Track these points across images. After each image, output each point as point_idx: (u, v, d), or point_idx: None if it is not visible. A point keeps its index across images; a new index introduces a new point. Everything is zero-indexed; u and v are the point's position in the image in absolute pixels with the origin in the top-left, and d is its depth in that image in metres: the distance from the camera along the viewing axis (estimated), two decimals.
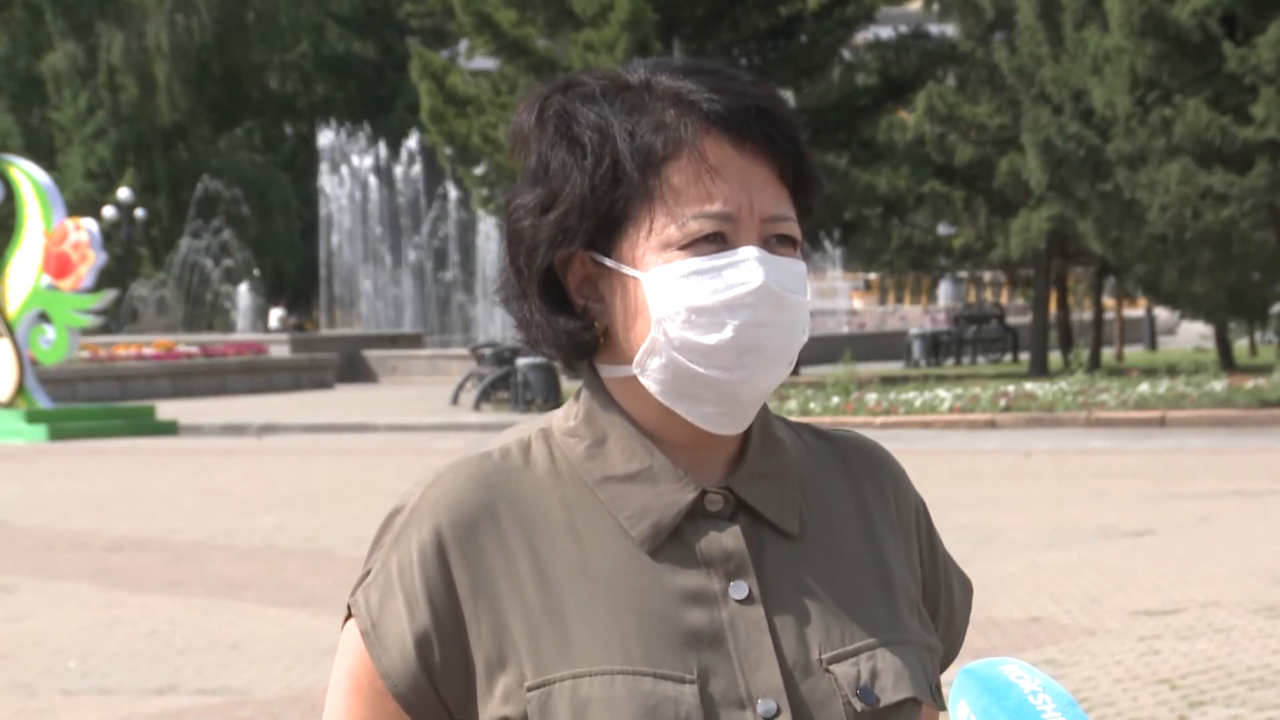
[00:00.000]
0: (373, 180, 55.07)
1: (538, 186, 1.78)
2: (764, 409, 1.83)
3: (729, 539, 1.77)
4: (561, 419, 1.83)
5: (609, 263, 1.76)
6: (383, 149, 55.12)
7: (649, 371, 1.76)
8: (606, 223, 1.75)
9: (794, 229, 1.77)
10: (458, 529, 1.76)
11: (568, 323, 1.78)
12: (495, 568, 1.75)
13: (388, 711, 1.77)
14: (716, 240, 1.73)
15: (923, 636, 1.83)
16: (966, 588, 1.97)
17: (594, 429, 1.80)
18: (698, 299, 1.72)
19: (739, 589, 1.75)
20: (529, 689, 1.71)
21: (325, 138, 55.85)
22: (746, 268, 1.73)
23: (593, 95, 1.77)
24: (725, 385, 1.74)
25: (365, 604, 1.78)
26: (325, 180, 55.11)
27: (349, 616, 1.80)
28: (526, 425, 1.85)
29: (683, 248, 1.73)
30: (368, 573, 1.80)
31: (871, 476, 1.89)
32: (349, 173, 55.10)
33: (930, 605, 1.89)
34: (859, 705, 1.74)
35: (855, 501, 1.86)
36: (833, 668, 1.76)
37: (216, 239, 54.69)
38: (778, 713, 1.72)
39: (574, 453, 1.79)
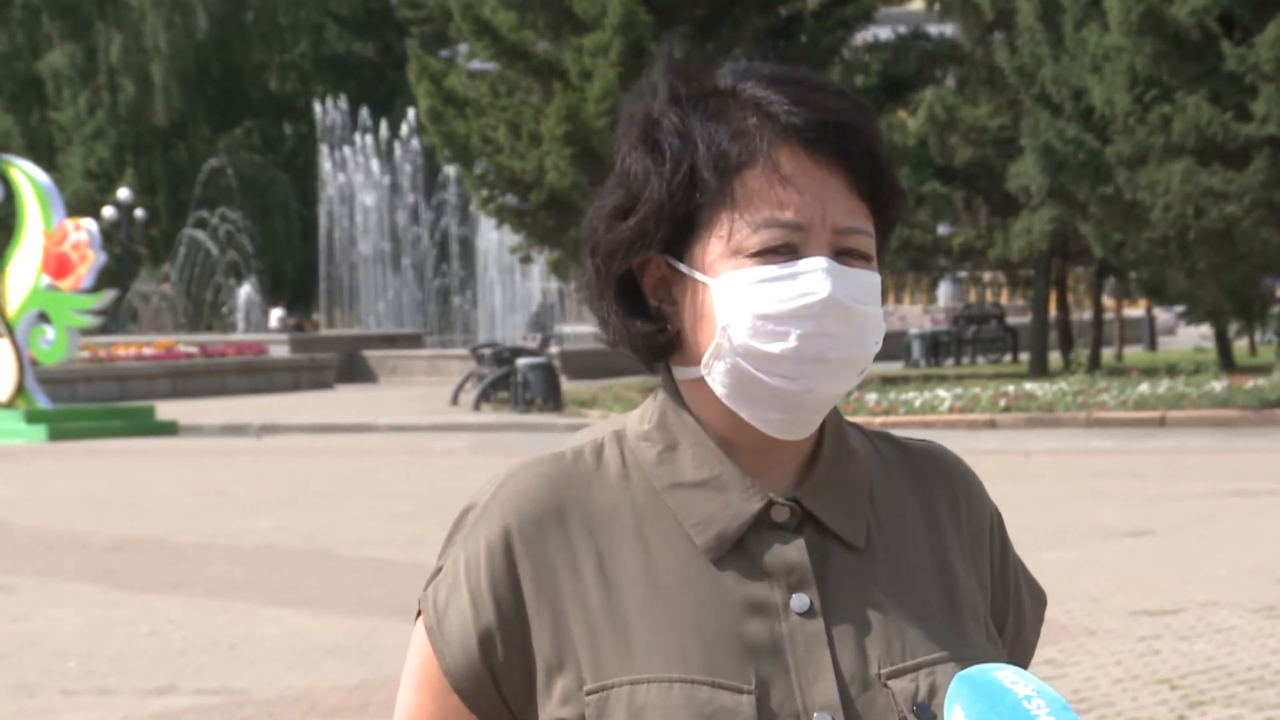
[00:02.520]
0: (372, 179, 55.06)
1: (619, 190, 1.79)
2: (837, 416, 1.84)
3: (793, 551, 1.77)
4: (636, 422, 1.84)
5: (681, 267, 1.78)
6: (382, 148, 55.10)
7: (714, 374, 1.77)
8: (681, 228, 1.77)
9: (867, 243, 1.77)
10: (526, 528, 1.77)
11: (644, 325, 1.79)
12: (560, 569, 1.76)
13: (454, 706, 1.79)
14: (787, 250, 1.74)
15: (988, 653, 1.82)
16: (1039, 600, 1.96)
17: (667, 434, 1.81)
18: (763, 307, 1.73)
19: (800, 602, 1.76)
20: (588, 693, 1.72)
21: (324, 128, 55.79)
22: (814, 278, 1.73)
23: (678, 99, 1.79)
24: (789, 393, 1.75)
25: (433, 600, 1.80)
26: (324, 174, 55.07)
27: (420, 613, 1.82)
28: (601, 426, 1.86)
29: (752, 255, 1.74)
30: (439, 569, 1.81)
31: (945, 487, 1.89)
32: (348, 170, 55.09)
33: (999, 618, 1.88)
34: None
35: (926, 513, 1.86)
36: (890, 683, 1.75)
37: (216, 239, 54.67)
38: None
39: (645, 457, 1.81)
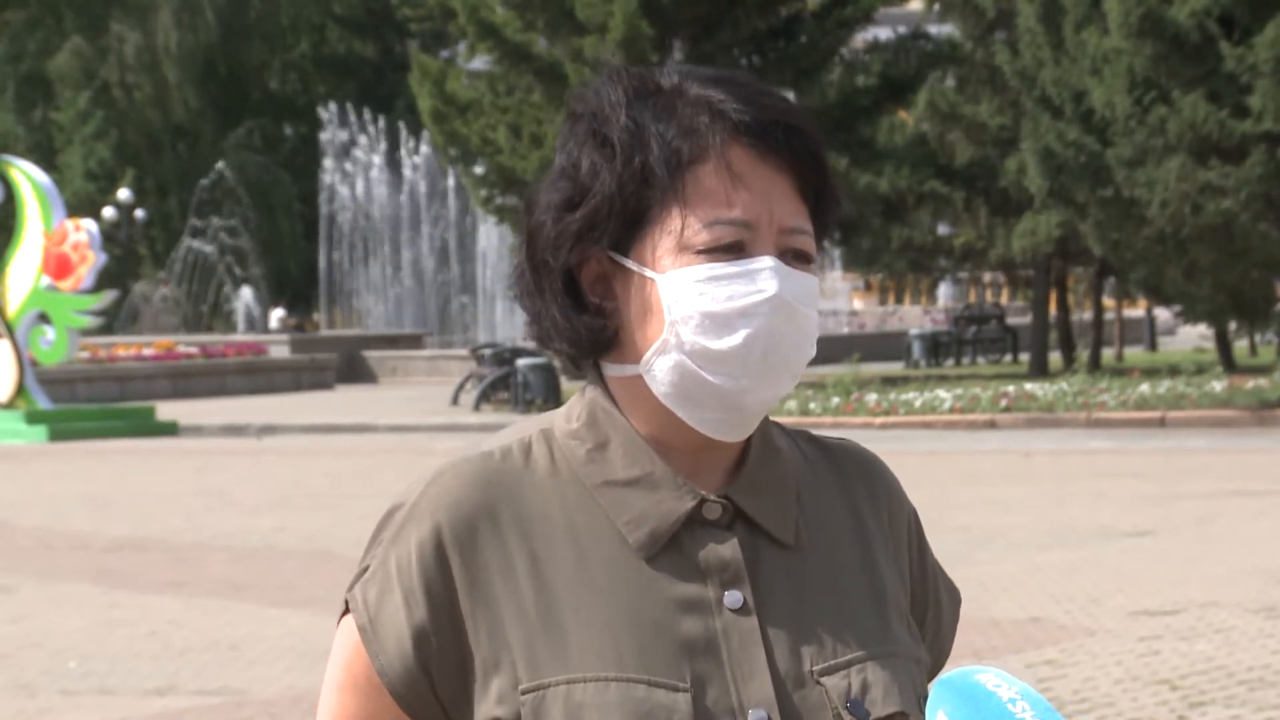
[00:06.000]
0: (373, 180, 55.06)
1: (564, 184, 1.79)
2: (764, 417, 1.83)
3: (726, 548, 1.77)
4: (563, 420, 1.83)
5: (627, 263, 1.77)
6: (383, 149, 55.10)
7: (655, 372, 1.76)
8: (629, 223, 1.76)
9: (810, 244, 1.78)
10: (457, 528, 1.76)
11: (590, 320, 1.78)
12: (493, 569, 1.76)
13: (382, 706, 1.77)
14: (735, 247, 1.74)
15: (912, 649, 1.83)
16: (955, 598, 1.97)
17: (596, 432, 1.80)
18: (712, 304, 1.73)
19: (734, 598, 1.76)
20: (523, 692, 1.72)
21: (327, 129, 55.82)
22: (762, 277, 1.74)
23: (626, 96, 1.79)
24: (730, 393, 1.75)
25: (363, 600, 1.79)
26: (326, 175, 55.08)
27: (345, 612, 1.80)
28: (526, 424, 1.85)
29: (700, 252, 1.74)
30: (365, 569, 1.81)
31: (866, 485, 1.89)
32: (350, 172, 55.09)
33: (918, 615, 1.89)
34: (849, 718, 1.75)
35: (849, 511, 1.87)
36: (823, 679, 1.76)
37: (219, 240, 54.64)
38: None
39: (575, 455, 1.80)
